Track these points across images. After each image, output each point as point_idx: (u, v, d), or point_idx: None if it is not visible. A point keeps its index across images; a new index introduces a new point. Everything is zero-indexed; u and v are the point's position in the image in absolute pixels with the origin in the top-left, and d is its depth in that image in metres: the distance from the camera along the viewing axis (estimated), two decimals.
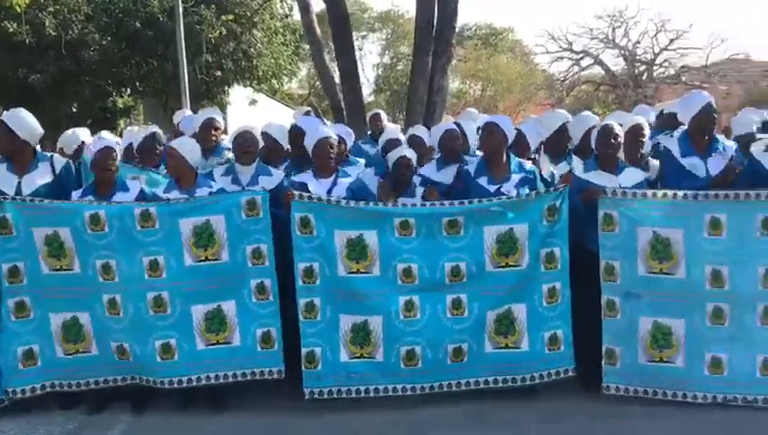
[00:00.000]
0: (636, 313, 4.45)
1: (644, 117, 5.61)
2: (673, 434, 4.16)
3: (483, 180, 4.80)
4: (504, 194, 4.70)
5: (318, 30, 9.38)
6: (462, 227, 4.49)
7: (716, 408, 4.34)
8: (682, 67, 32.82)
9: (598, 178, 4.67)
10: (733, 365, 4.36)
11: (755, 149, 4.96)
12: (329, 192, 4.79)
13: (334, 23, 8.79)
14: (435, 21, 8.45)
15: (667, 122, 6.27)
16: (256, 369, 4.50)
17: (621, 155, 4.81)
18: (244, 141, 4.97)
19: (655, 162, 5.21)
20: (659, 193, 4.46)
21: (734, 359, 4.36)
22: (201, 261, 4.44)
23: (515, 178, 4.79)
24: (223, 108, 22.08)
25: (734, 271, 4.33)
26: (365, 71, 47.81)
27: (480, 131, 5.12)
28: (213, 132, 5.75)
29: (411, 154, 5.01)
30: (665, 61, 33.48)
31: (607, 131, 4.70)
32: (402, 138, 5.87)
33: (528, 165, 4.92)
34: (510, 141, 4.93)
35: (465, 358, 4.54)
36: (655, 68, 33.63)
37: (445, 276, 4.50)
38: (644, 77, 33.41)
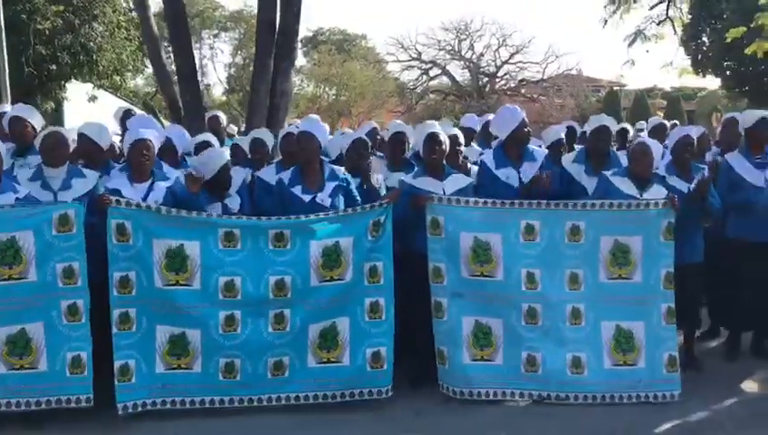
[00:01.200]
0: (459, 313, 4.62)
1: (470, 125, 5.91)
2: (492, 430, 4.34)
3: (297, 190, 4.75)
4: (318, 203, 4.70)
5: (155, 27, 9.03)
6: (289, 241, 4.45)
7: (534, 404, 4.60)
8: (521, 81, 34.88)
9: (425, 183, 4.82)
10: (546, 364, 4.61)
11: (565, 158, 5.38)
12: (144, 199, 4.55)
13: (171, 21, 8.48)
14: (277, 24, 8.37)
15: (489, 133, 6.61)
16: (63, 396, 4.21)
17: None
18: (51, 143, 4.62)
19: (475, 168, 5.45)
20: (480, 201, 4.69)
21: (548, 357, 4.62)
22: (4, 280, 4.13)
23: (330, 186, 4.79)
24: (59, 104, 20.71)
25: (545, 274, 4.63)
26: (217, 70, 46.56)
27: (294, 140, 5.07)
28: (23, 131, 5.36)
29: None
30: (506, 74, 35.45)
31: (432, 139, 4.86)
32: (215, 141, 5.82)
33: (341, 172, 4.90)
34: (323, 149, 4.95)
35: (286, 372, 4.48)
36: (497, 80, 35.50)
37: (269, 291, 4.42)
38: (487, 89, 35.14)
